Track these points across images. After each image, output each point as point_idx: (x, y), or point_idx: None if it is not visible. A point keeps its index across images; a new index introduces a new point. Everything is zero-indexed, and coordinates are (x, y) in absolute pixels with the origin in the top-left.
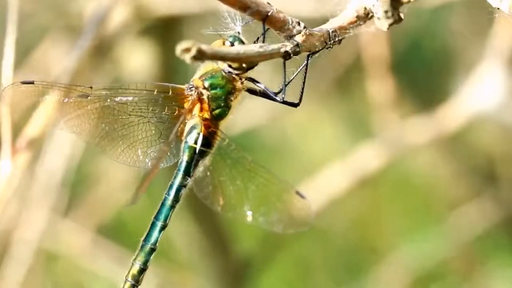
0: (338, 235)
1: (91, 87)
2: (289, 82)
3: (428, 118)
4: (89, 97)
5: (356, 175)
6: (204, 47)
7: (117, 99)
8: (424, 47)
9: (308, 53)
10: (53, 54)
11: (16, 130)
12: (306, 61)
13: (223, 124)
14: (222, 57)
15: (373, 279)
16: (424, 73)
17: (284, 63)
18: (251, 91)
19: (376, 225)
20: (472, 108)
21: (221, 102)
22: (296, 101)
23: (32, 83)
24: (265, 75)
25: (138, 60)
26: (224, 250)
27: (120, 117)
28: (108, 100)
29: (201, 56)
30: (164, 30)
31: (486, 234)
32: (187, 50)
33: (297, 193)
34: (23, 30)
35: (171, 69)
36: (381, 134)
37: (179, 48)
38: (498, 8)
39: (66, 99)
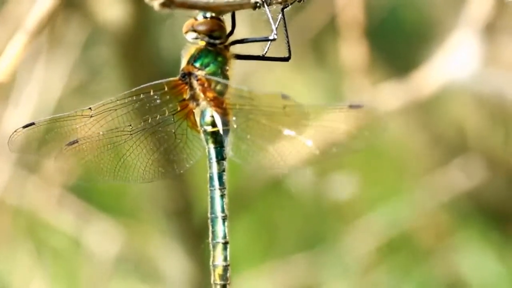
0: (306, 200)
1: (90, 108)
2: (272, 40)
3: (400, 84)
4: (92, 117)
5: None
6: None
7: (119, 110)
8: (401, 17)
9: (281, 5)
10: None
11: None
12: (281, 14)
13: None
14: (191, 6)
15: (340, 245)
16: (399, 42)
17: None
18: (238, 56)
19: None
20: (445, 76)
21: (219, 76)
22: (286, 56)
23: (33, 124)
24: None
25: (111, 14)
26: (189, 209)
27: (125, 140)
28: (112, 115)
29: (169, 3)
30: None
31: (454, 205)
32: None
33: (351, 106)
34: None
35: (144, 24)
36: (353, 99)
37: None
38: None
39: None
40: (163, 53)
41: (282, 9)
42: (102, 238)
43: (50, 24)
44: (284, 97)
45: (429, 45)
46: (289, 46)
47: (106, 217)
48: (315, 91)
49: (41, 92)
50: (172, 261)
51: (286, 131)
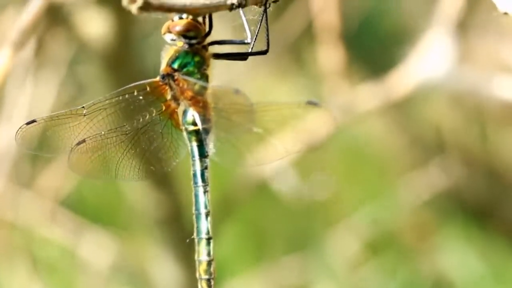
0: (291, 202)
1: (83, 107)
2: (256, 36)
3: (377, 85)
4: (85, 116)
5: (307, 141)
6: None
7: (108, 110)
8: (377, 21)
9: (257, 7)
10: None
11: None
12: (263, 14)
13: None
14: (169, 9)
15: (326, 245)
16: (376, 44)
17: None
18: (216, 56)
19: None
20: (420, 76)
21: (197, 76)
22: (264, 49)
23: (34, 121)
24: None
25: (95, 28)
26: (179, 217)
27: (122, 140)
28: (102, 114)
29: (147, 6)
30: None
31: (435, 204)
32: (133, 0)
33: (309, 103)
34: None
35: (127, 39)
36: (331, 101)
37: None
38: (505, 13)
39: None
40: (149, 69)
41: (265, 9)
42: (96, 249)
43: (37, 41)
44: (236, 92)
45: (405, 46)
46: (268, 39)
47: (99, 229)
48: (294, 94)
49: (30, 108)
50: (164, 270)
51: (255, 129)
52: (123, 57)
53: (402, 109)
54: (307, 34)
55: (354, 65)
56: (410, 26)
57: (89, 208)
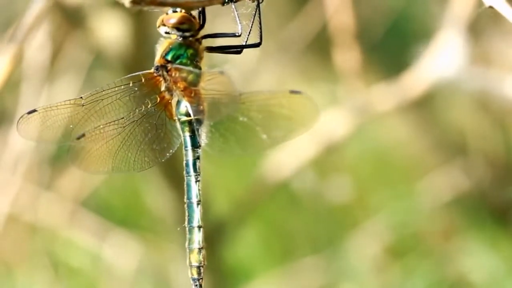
0: (315, 204)
1: (81, 97)
2: (250, 29)
3: (392, 85)
4: (83, 106)
5: (325, 141)
6: None
7: (105, 100)
8: (406, 24)
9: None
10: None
11: None
12: (256, 8)
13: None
14: (161, 3)
15: (349, 247)
16: (402, 46)
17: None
18: (210, 49)
19: (356, 195)
20: (433, 76)
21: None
22: (257, 41)
23: (35, 111)
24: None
25: (111, 30)
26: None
27: (119, 132)
28: (100, 104)
29: (139, 0)
30: None
31: (458, 205)
32: None
33: (292, 92)
34: None
35: (142, 40)
36: (348, 102)
37: None
38: (490, 7)
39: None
40: None
41: (258, 4)
42: (120, 252)
43: (55, 46)
44: (221, 73)
45: (417, 43)
46: (261, 32)
47: (124, 232)
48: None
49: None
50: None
51: (240, 117)
52: (140, 59)
53: (426, 111)
54: (326, 35)
55: (380, 68)
56: (436, 28)
57: (113, 211)
